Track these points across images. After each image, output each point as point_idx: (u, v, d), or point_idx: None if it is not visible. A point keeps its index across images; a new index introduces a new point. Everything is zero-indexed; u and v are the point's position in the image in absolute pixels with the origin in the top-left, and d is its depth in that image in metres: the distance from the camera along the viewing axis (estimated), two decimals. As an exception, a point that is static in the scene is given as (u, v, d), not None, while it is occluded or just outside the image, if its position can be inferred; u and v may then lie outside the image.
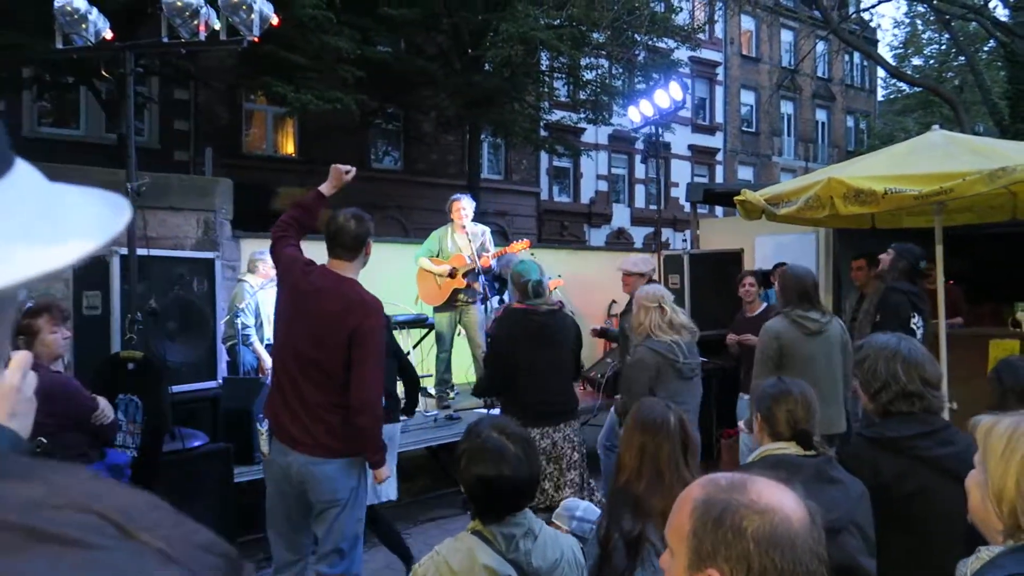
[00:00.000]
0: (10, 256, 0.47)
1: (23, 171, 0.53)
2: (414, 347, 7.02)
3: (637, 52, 16.42)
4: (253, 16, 3.49)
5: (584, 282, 8.71)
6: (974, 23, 17.18)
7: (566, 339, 4.25)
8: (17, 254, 0.47)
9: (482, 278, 6.65)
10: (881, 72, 26.81)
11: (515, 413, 3.90)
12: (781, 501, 1.12)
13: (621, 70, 17.66)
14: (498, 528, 1.88)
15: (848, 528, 2.10)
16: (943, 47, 22.79)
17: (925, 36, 23.89)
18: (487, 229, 6.58)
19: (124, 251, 4.08)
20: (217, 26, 3.65)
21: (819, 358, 4.32)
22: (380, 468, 3.22)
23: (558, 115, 18.97)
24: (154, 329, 4.10)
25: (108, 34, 3.84)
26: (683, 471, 2.16)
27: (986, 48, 20.13)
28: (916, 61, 24.55)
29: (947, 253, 5.18)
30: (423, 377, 6.94)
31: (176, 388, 4.14)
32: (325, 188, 3.31)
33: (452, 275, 6.33)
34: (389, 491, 4.13)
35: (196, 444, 4.21)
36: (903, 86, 25.40)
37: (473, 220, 6.49)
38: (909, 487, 2.27)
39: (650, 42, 16.57)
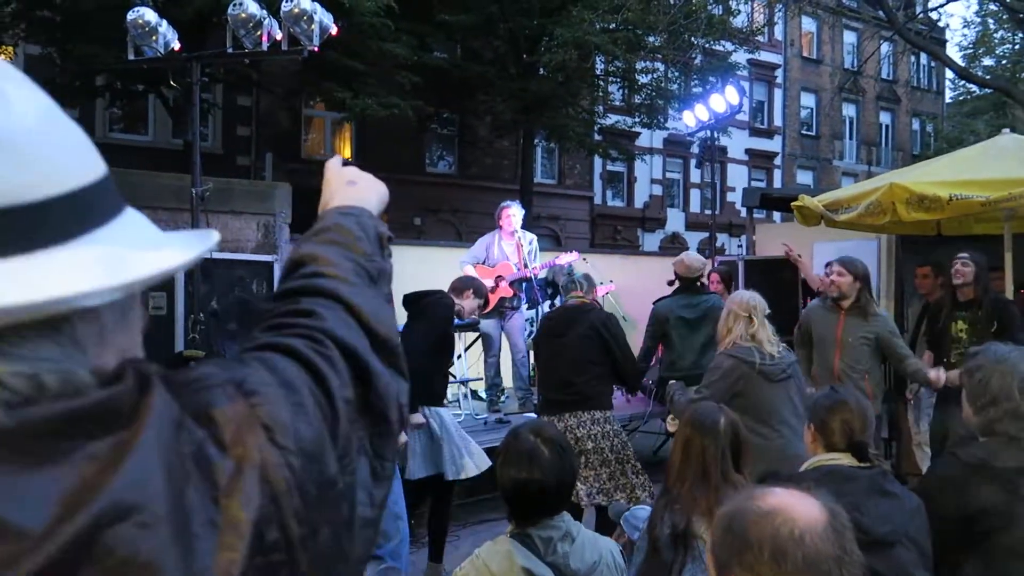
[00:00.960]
0: (132, 261, 0.59)
1: (132, 213, 0.66)
2: (466, 350, 7.09)
3: (694, 55, 16.25)
4: (313, 27, 3.59)
5: (637, 288, 8.65)
6: (1050, 21, 16.48)
7: (580, 330, 4.37)
8: (137, 259, 0.60)
9: (535, 282, 6.68)
10: (949, 73, 25.92)
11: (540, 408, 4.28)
12: (789, 504, 1.11)
13: (677, 73, 17.49)
14: (535, 531, 1.90)
15: (902, 541, 2.05)
16: (1017, 47, 21.93)
17: (997, 35, 23.00)
18: (534, 238, 6.60)
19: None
20: (279, 36, 3.76)
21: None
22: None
23: (612, 119, 18.88)
24: (216, 329, 4.25)
25: (176, 45, 4.01)
26: (731, 473, 2.15)
27: (1063, 47, 19.29)
28: (987, 61, 23.67)
29: (1018, 260, 5.00)
30: (473, 380, 7.01)
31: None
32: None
33: (496, 286, 6.37)
34: (471, 465, 4.27)
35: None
36: (972, 87, 24.51)
37: (523, 227, 6.52)
38: (998, 523, 2.10)
39: (707, 45, 16.36)
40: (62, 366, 0.56)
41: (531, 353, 7.28)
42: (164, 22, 3.89)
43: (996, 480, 2.11)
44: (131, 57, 4.00)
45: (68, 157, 0.60)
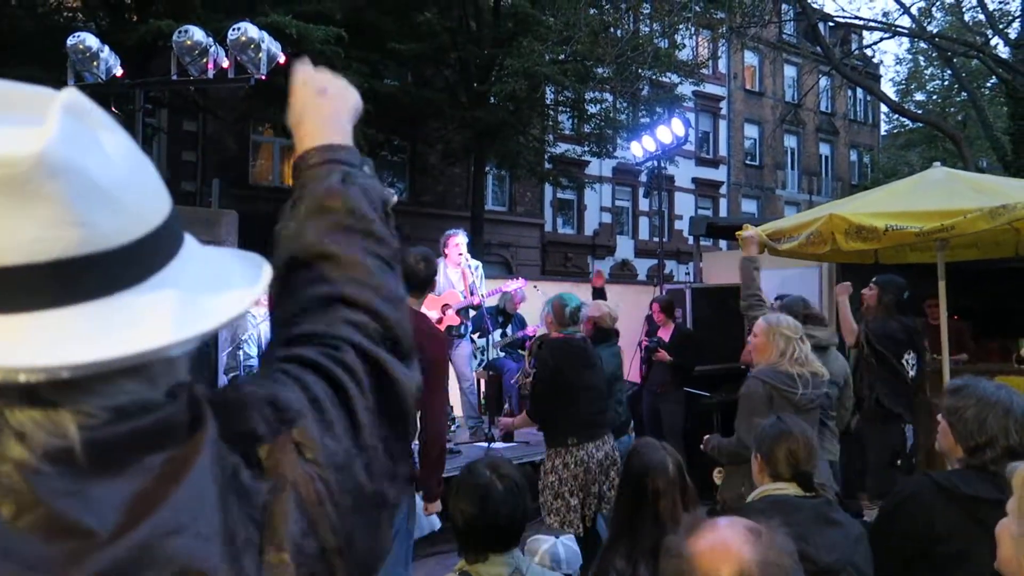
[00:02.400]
0: (204, 307, 0.64)
1: (190, 243, 0.70)
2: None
3: (641, 87, 16.60)
4: (261, 55, 3.56)
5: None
6: (976, 60, 17.35)
7: (599, 361, 4.76)
8: (208, 304, 0.65)
9: (484, 311, 6.66)
10: (884, 107, 27.01)
11: (574, 431, 4.31)
12: (709, 546, 1.11)
13: (625, 104, 17.83)
14: (485, 567, 1.88)
15: (847, 569, 2.08)
16: (945, 83, 22.99)
17: (927, 72, 24.12)
18: (479, 264, 6.59)
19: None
20: (225, 64, 3.71)
21: None
22: (437, 500, 3.31)
23: (563, 148, 19.11)
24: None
25: (119, 71, 3.92)
26: (680, 515, 2.15)
27: (988, 84, 20.30)
28: (919, 96, 24.77)
29: (954, 289, 5.18)
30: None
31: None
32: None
33: (441, 316, 6.33)
34: (434, 521, 4.19)
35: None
36: (906, 121, 25.57)
37: (473, 254, 6.53)
38: (956, 547, 2.10)
39: (654, 77, 16.75)
40: (139, 396, 0.61)
41: (481, 382, 7.25)
42: (106, 48, 3.80)
43: (966, 505, 2.10)
44: (71, 83, 3.89)
45: (149, 199, 0.64)
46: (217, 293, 0.66)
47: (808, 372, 3.61)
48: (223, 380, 5.65)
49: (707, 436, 4.07)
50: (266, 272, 0.72)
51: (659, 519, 2.16)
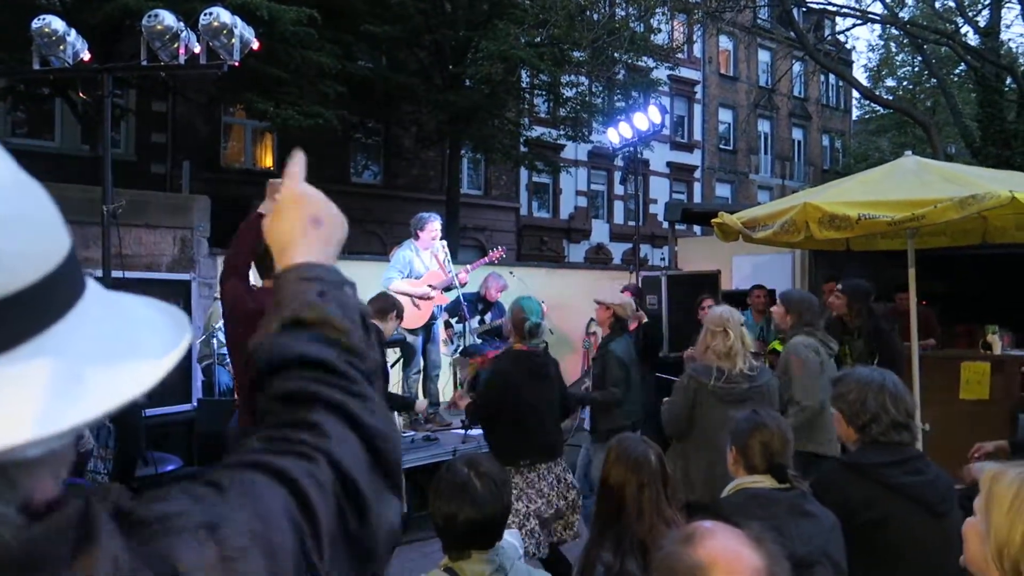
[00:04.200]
0: (89, 383, 0.50)
1: (92, 291, 0.57)
2: (391, 367, 6.99)
3: (617, 71, 16.57)
4: (234, 41, 3.49)
5: (562, 301, 8.74)
6: (945, 47, 17.56)
7: (556, 377, 4.51)
8: (95, 381, 0.50)
9: (460, 297, 6.66)
10: (856, 93, 27.27)
11: (522, 452, 4.08)
12: (726, 556, 1.12)
13: (601, 88, 17.80)
14: (468, 565, 1.89)
15: (821, 561, 2.12)
16: (916, 69, 23.25)
17: (898, 58, 24.36)
18: (445, 242, 6.57)
19: (99, 273, 4.04)
20: (197, 49, 3.63)
21: None
22: None
23: (538, 131, 19.05)
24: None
25: (86, 55, 3.81)
26: (664, 509, 2.17)
27: (957, 71, 20.56)
28: (890, 83, 25.01)
29: (922, 275, 5.28)
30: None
31: (149, 411, 4.09)
32: (264, 207, 3.15)
33: (429, 296, 6.33)
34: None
35: (170, 468, 4.17)
36: (877, 107, 25.86)
37: (444, 237, 6.57)
38: (874, 514, 2.31)
39: (630, 61, 16.73)
40: None
41: (456, 368, 7.26)
42: (73, 31, 3.70)
43: (865, 473, 2.37)
44: (36, 67, 3.79)
45: (39, 243, 0.51)
46: (113, 364, 0.52)
47: (728, 365, 3.84)
48: (196, 369, 5.58)
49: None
50: (185, 338, 0.60)
51: (643, 512, 2.18)
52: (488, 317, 7.19)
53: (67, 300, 0.53)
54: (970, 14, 17.15)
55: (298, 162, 0.89)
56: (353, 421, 0.72)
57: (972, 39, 17.19)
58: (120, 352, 0.54)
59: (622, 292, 7.05)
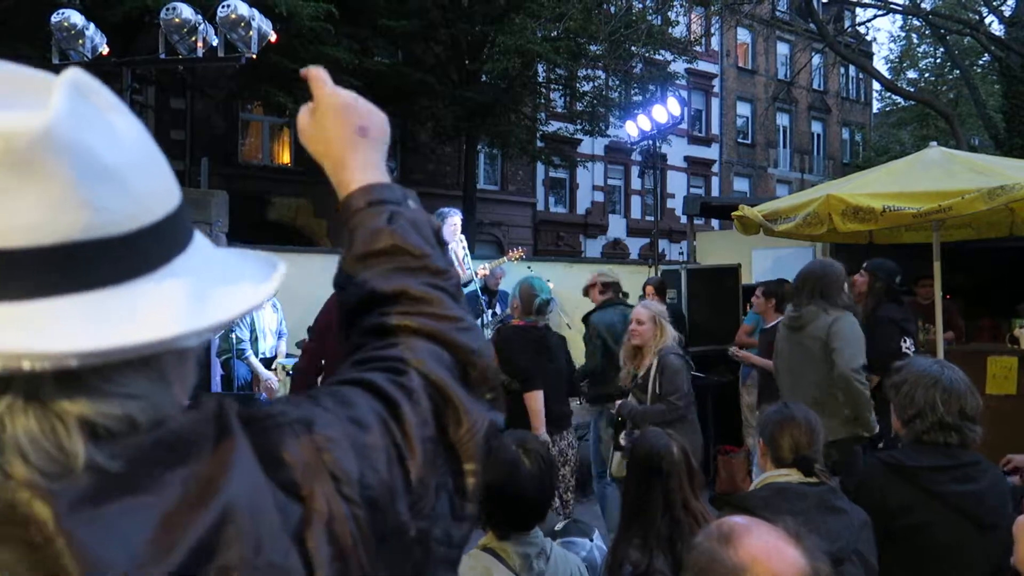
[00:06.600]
0: (216, 298, 0.60)
1: (199, 238, 0.66)
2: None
3: (634, 64, 16.47)
4: (252, 33, 3.47)
5: (579, 296, 8.68)
6: (968, 38, 17.29)
7: (562, 352, 4.65)
8: (220, 296, 0.61)
9: (476, 292, 6.65)
10: (877, 85, 26.94)
11: (526, 423, 4.17)
12: (767, 557, 1.07)
13: (618, 82, 17.69)
14: (513, 547, 1.85)
15: (850, 558, 2.07)
16: (938, 61, 22.94)
17: (920, 49, 24.05)
18: (464, 237, 6.57)
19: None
20: (215, 42, 3.62)
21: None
22: None
23: (555, 126, 18.98)
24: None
25: (105, 49, 3.82)
26: (691, 502, 2.13)
27: (981, 62, 20.25)
28: (911, 74, 24.72)
29: (946, 267, 5.17)
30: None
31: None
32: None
33: None
34: None
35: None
36: (898, 99, 25.52)
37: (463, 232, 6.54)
38: (914, 519, 2.22)
39: (647, 54, 16.62)
40: (151, 401, 0.56)
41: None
42: (92, 25, 3.70)
43: (909, 476, 2.25)
44: (56, 61, 3.79)
45: (160, 187, 0.60)
46: (228, 287, 0.62)
47: None
48: (215, 363, 5.60)
49: (620, 402, 4.38)
50: (280, 271, 0.67)
51: (669, 505, 2.14)
52: (498, 308, 7.20)
53: (184, 239, 0.62)
54: (995, 3, 16.86)
55: (319, 69, 0.90)
56: (441, 342, 0.75)
57: (997, 29, 16.91)
58: (232, 278, 0.64)
59: (644, 286, 6.93)
